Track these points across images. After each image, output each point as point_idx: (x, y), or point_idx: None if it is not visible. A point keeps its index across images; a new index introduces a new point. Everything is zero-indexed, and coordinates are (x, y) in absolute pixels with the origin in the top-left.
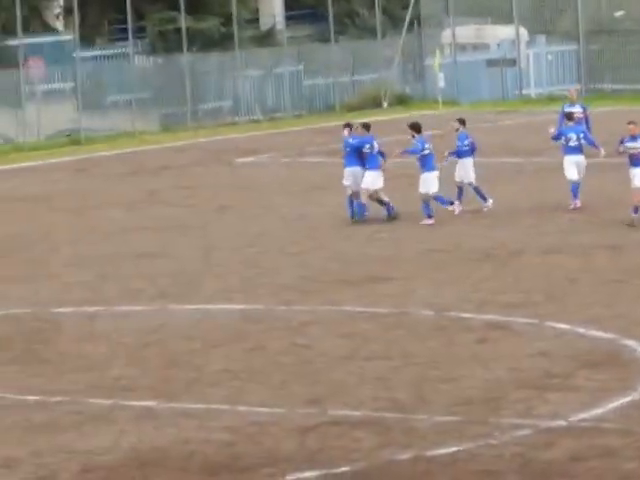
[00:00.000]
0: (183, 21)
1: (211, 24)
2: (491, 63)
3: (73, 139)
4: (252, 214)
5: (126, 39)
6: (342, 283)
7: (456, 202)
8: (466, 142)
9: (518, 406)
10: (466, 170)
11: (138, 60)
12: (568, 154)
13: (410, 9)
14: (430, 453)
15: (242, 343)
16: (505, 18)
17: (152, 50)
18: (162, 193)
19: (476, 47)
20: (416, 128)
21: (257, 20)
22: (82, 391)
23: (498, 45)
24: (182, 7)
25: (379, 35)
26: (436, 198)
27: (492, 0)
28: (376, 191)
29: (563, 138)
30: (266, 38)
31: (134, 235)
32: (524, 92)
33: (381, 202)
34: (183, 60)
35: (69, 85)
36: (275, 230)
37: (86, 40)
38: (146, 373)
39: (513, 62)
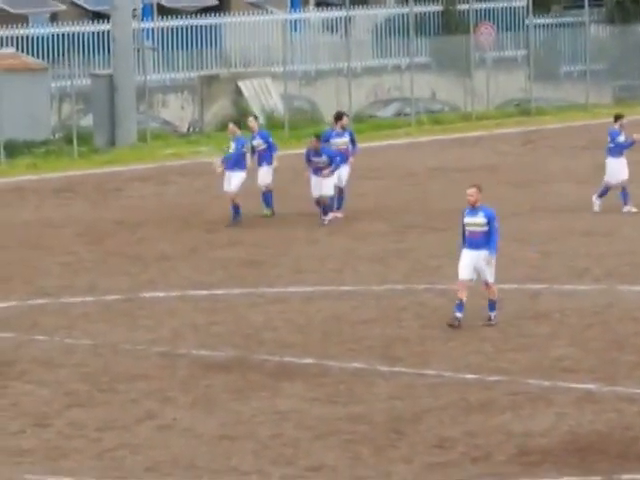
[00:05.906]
0: None
1: None
2: None
3: (523, 109)
4: None
5: (582, 7)
6: None
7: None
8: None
9: None
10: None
11: (594, 30)
12: None
13: None
14: None
15: None
16: None
17: (609, 20)
18: None
19: None
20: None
21: None
22: (521, 371)
23: None
24: None
25: None
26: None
27: None
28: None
29: None
30: None
31: (582, 212)
32: None
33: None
34: None
35: (521, 53)
36: None
37: (540, 7)
38: (588, 355)
39: None
